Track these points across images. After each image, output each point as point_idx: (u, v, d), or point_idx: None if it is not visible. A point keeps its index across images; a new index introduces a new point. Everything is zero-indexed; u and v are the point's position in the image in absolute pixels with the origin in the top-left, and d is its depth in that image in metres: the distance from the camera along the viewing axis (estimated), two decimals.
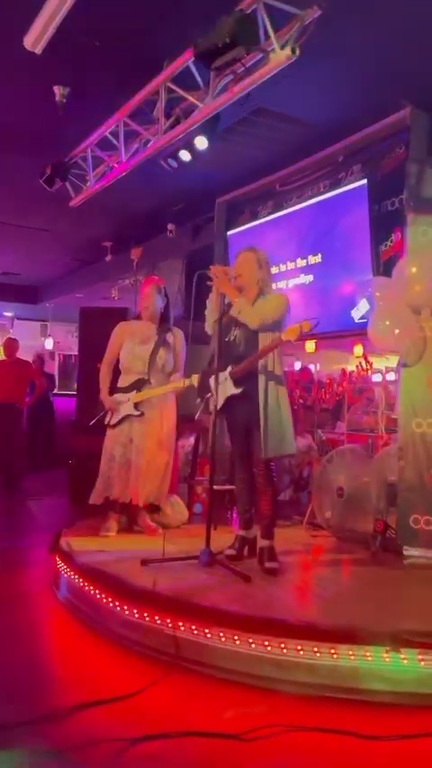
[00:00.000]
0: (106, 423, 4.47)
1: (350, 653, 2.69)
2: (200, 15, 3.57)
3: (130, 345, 4.46)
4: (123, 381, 4.48)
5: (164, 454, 4.44)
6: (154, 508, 4.48)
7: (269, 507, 3.73)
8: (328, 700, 2.64)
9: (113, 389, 4.48)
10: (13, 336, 8.75)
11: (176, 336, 4.54)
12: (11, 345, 7.98)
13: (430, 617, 3.04)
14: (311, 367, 6.00)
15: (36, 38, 3.87)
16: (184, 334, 4.55)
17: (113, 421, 4.42)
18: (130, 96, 4.59)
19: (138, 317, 4.63)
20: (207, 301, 3.80)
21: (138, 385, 4.40)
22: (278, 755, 2.26)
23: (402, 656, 2.67)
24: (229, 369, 3.71)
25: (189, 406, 5.34)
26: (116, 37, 4.03)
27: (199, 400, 3.91)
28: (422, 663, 2.66)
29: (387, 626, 2.81)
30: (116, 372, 4.55)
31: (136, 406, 4.37)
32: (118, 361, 4.52)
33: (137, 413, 4.36)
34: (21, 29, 3.85)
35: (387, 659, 2.68)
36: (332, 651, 2.71)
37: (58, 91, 4.62)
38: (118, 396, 4.44)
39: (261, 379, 3.63)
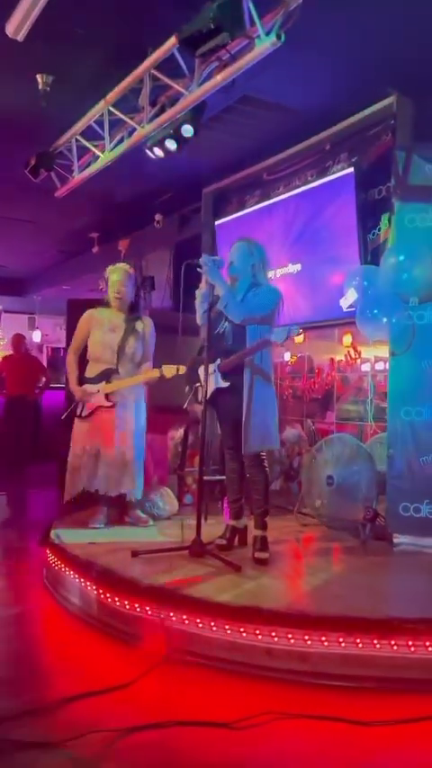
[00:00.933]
0: (77, 414, 4.39)
1: (340, 640, 2.71)
2: (184, 1, 3.53)
3: (99, 334, 4.36)
4: (91, 371, 4.39)
5: (137, 445, 4.38)
6: (136, 501, 4.45)
7: (261, 497, 3.74)
8: (318, 687, 2.65)
9: (81, 380, 4.39)
10: (20, 333, 9.06)
11: (146, 325, 4.46)
12: (19, 341, 8.36)
13: (420, 604, 3.06)
14: (304, 356, 5.99)
15: (18, 25, 3.81)
16: (173, 325, 4.51)
17: (85, 413, 4.35)
18: (115, 84, 4.53)
19: (106, 305, 4.48)
20: (196, 292, 3.78)
21: (106, 375, 4.32)
22: (270, 743, 2.27)
23: (393, 643, 2.69)
24: (218, 362, 3.70)
25: (178, 397, 5.34)
26: (99, 24, 3.98)
27: (187, 389, 3.91)
28: (412, 649, 2.68)
29: (377, 613, 2.82)
30: (83, 361, 4.46)
31: (107, 396, 4.32)
32: (85, 349, 4.43)
33: (108, 404, 4.29)
34: (2, 16, 3.79)
35: (377, 646, 2.69)
36: (323, 639, 2.72)
37: (41, 79, 4.55)
38: (88, 386, 4.35)
39: (247, 374, 3.62)
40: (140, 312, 4.55)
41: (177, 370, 4.15)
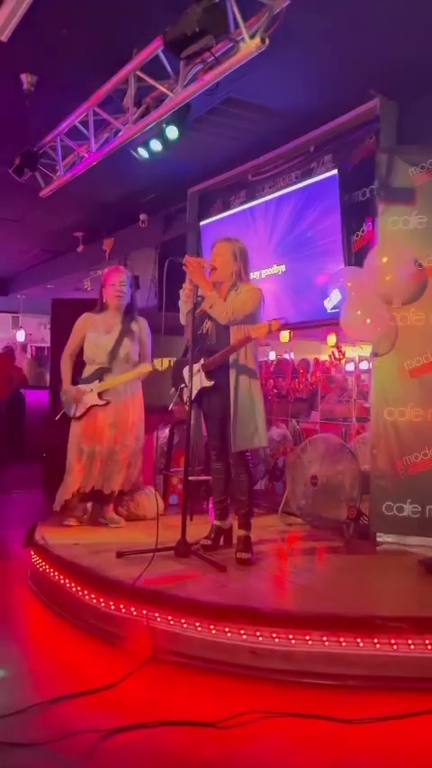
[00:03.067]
0: (71, 415, 4.41)
1: (324, 639, 2.73)
2: (169, 3, 3.53)
3: (95, 336, 4.40)
4: (86, 372, 4.44)
5: (132, 443, 4.41)
6: (123, 498, 4.46)
7: (245, 497, 3.76)
8: (303, 686, 2.68)
9: (76, 382, 4.42)
10: None
11: (141, 326, 4.49)
12: None
13: (403, 602, 3.10)
14: (287, 356, 6.03)
15: (2, 25, 3.78)
16: (157, 324, 4.52)
17: (78, 413, 4.37)
18: (100, 85, 4.53)
19: (102, 308, 4.49)
20: (180, 291, 3.79)
21: (99, 374, 4.36)
22: (255, 742, 2.29)
23: (376, 642, 2.72)
24: (202, 361, 3.72)
25: (163, 397, 5.35)
26: (84, 24, 3.97)
27: (173, 390, 3.92)
28: (395, 647, 2.71)
29: (361, 612, 2.86)
30: (79, 364, 4.49)
31: (100, 395, 4.33)
32: (80, 352, 4.46)
33: (101, 402, 4.32)
34: None
35: (361, 645, 2.72)
36: (307, 638, 2.74)
37: (26, 79, 4.53)
38: (81, 386, 4.39)
39: (232, 373, 3.64)
40: (135, 313, 4.56)
41: (170, 362, 4.18)
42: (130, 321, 4.46)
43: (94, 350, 4.39)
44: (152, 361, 4.31)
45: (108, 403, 4.33)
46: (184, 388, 3.78)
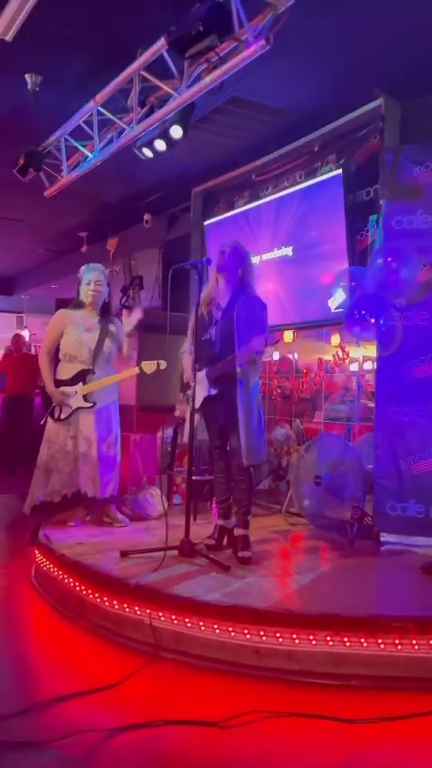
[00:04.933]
0: (55, 417, 4.33)
1: (328, 639, 2.73)
2: (173, 3, 3.54)
3: (75, 333, 4.32)
4: (65, 372, 4.33)
5: (113, 446, 4.37)
6: (116, 500, 4.45)
7: (245, 496, 3.77)
8: (307, 686, 2.68)
9: (56, 382, 4.34)
10: (20, 332, 9.18)
11: (118, 327, 4.46)
12: (18, 340, 8.50)
13: (406, 602, 3.10)
14: (290, 356, 6.03)
15: (7, 25, 3.80)
16: (161, 324, 4.50)
17: (64, 415, 4.30)
18: (104, 85, 4.53)
19: (77, 306, 4.43)
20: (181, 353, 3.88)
21: (81, 376, 4.30)
22: (258, 742, 2.29)
23: (380, 641, 2.71)
24: (206, 369, 3.72)
25: (167, 397, 5.35)
26: (88, 24, 3.98)
27: (182, 396, 3.92)
28: (399, 647, 2.71)
29: (364, 612, 2.85)
30: (55, 362, 4.45)
31: (85, 398, 4.29)
32: (57, 350, 4.40)
33: (87, 405, 4.28)
34: None
35: (365, 645, 2.72)
36: (310, 638, 2.74)
37: (30, 79, 4.54)
38: (65, 388, 4.30)
39: (240, 387, 3.62)
40: (112, 314, 4.55)
41: (158, 365, 4.15)
42: (107, 322, 4.42)
43: (77, 347, 4.31)
44: (140, 363, 4.29)
45: (94, 405, 4.29)
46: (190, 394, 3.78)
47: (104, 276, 4.48)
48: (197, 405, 3.70)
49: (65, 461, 4.28)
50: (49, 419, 4.37)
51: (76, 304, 4.44)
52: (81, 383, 4.30)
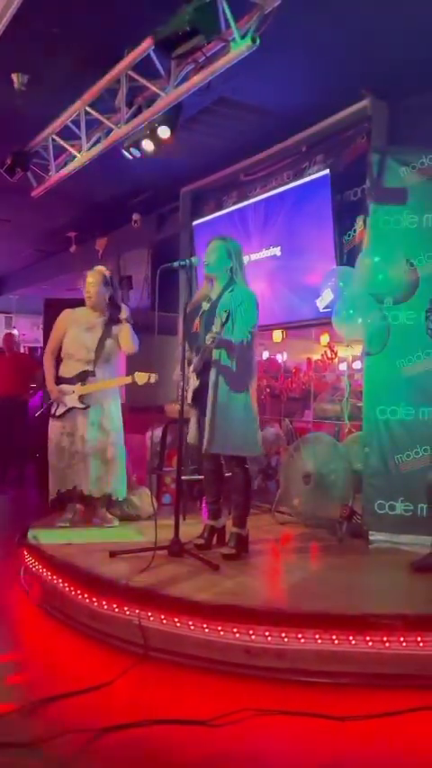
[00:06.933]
0: (51, 414, 4.40)
1: (317, 637, 2.74)
2: (160, 3, 3.54)
3: (76, 332, 4.39)
4: (67, 370, 4.39)
5: (112, 445, 4.38)
6: (111, 501, 4.45)
7: (241, 495, 3.77)
8: (296, 684, 2.68)
9: (58, 379, 4.40)
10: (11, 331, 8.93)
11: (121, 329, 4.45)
12: (9, 339, 8.14)
13: (395, 600, 3.11)
14: (278, 357, 6.04)
15: None
16: (150, 324, 4.50)
17: (59, 412, 4.36)
18: (91, 85, 4.52)
19: (81, 305, 4.49)
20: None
21: (82, 377, 4.34)
22: (247, 740, 2.29)
23: (368, 639, 2.73)
24: (194, 362, 3.73)
25: (156, 397, 5.35)
26: (75, 24, 3.97)
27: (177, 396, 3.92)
28: (387, 645, 2.72)
29: (353, 610, 2.86)
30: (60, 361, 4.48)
31: (81, 398, 4.33)
32: (60, 349, 4.45)
33: (81, 406, 4.32)
34: None
35: (353, 642, 2.73)
36: (299, 636, 2.75)
37: (17, 78, 4.53)
38: (64, 386, 4.37)
39: (212, 373, 3.63)
40: (118, 317, 4.53)
41: (149, 377, 4.20)
42: (112, 324, 4.43)
43: (76, 346, 4.37)
44: (133, 373, 4.30)
45: (88, 407, 4.32)
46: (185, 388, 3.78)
47: (101, 278, 4.46)
48: (188, 399, 3.70)
49: (59, 457, 4.34)
50: (51, 418, 4.42)
51: (80, 304, 4.51)
52: (80, 383, 4.34)
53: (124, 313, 4.40)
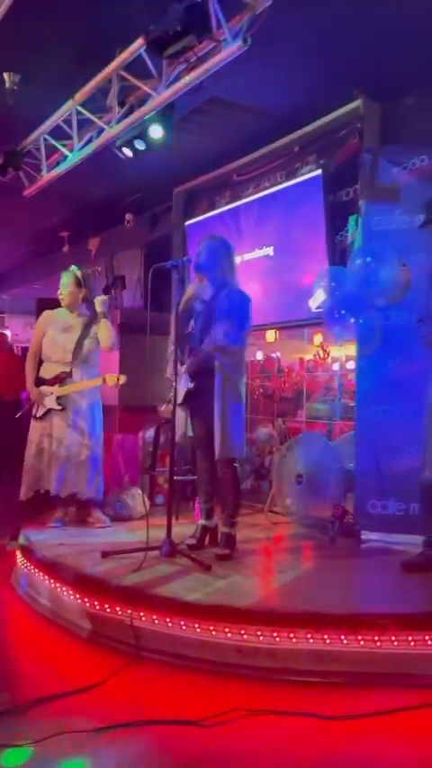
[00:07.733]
0: (32, 415, 4.43)
1: (309, 637, 2.74)
2: (152, 2, 3.53)
3: (53, 333, 4.41)
4: (46, 372, 4.40)
5: (88, 448, 4.36)
6: (95, 501, 4.44)
7: (231, 495, 3.77)
8: (288, 683, 2.69)
9: (38, 380, 4.42)
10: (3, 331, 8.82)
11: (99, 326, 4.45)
12: (1, 340, 8.07)
13: (387, 599, 3.12)
14: (273, 356, 6.04)
15: None
16: (143, 324, 4.49)
17: (39, 413, 4.38)
18: (83, 84, 4.52)
19: (58, 306, 4.52)
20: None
21: (60, 378, 4.35)
22: (239, 740, 2.29)
23: (359, 638, 2.73)
24: (186, 363, 3.72)
25: (149, 397, 5.35)
26: (67, 23, 3.95)
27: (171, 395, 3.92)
28: (378, 644, 2.73)
29: (345, 609, 2.87)
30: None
31: (58, 400, 4.33)
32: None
33: (58, 407, 4.32)
34: None
35: (345, 642, 2.74)
36: (291, 636, 2.75)
37: (8, 78, 4.51)
38: (43, 388, 4.38)
39: (218, 379, 3.62)
40: (94, 315, 4.52)
41: (118, 379, 4.27)
42: (90, 324, 4.43)
43: (52, 347, 4.39)
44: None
45: (64, 409, 4.32)
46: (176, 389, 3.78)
47: (75, 277, 4.46)
48: (179, 399, 3.70)
49: (38, 459, 4.35)
50: (32, 419, 4.43)
51: (58, 304, 4.51)
52: (58, 385, 4.35)
53: (99, 306, 4.37)
